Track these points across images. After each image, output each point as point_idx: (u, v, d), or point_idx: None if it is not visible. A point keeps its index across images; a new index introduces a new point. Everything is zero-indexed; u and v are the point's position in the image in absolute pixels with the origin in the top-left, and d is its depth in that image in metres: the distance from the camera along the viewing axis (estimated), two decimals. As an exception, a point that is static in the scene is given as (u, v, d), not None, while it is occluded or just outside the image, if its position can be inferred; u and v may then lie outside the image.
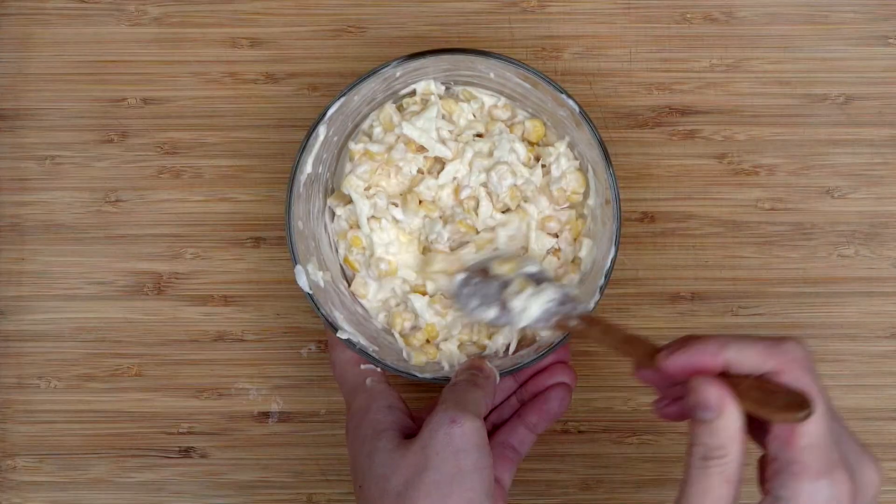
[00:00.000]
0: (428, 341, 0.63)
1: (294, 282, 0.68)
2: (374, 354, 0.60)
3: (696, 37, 0.69)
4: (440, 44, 0.68)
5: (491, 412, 0.62)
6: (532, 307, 0.59)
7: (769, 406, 0.48)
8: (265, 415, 0.69)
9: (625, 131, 0.69)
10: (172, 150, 0.69)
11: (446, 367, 0.62)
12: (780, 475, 0.49)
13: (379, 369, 0.60)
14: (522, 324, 0.59)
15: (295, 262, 0.60)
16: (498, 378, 0.60)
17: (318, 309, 0.59)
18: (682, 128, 0.69)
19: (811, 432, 0.48)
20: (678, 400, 0.54)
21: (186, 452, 0.69)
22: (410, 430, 0.57)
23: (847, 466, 0.49)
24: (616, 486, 0.69)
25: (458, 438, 0.54)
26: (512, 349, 0.63)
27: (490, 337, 0.63)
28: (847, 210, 0.69)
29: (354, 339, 0.60)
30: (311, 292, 0.60)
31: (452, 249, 0.63)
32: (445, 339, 0.63)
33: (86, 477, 0.69)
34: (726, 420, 0.48)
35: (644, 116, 0.69)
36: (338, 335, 0.60)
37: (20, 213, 0.69)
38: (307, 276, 0.60)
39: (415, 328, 0.63)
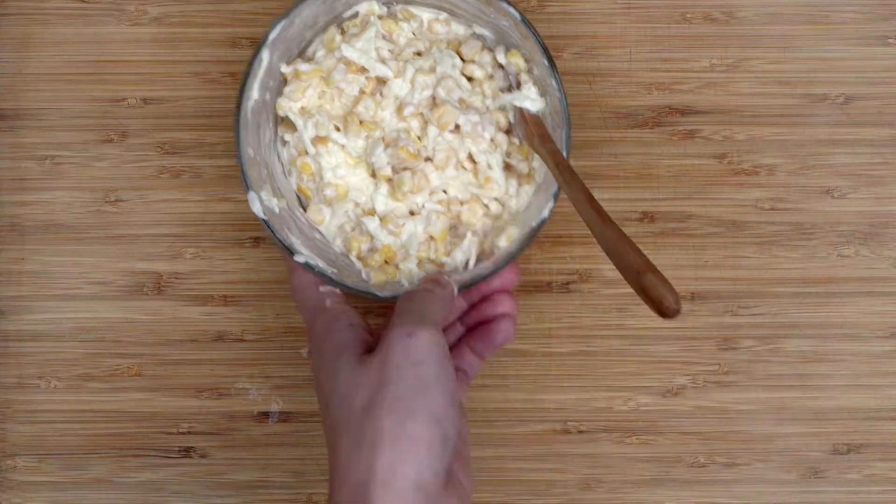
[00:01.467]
0: (386, 262, 0.63)
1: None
2: (332, 276, 0.60)
3: (696, 37, 0.69)
4: (440, 44, 0.68)
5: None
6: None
7: (652, 302, 0.53)
8: (265, 415, 0.69)
9: (625, 131, 0.69)
10: (172, 150, 0.69)
11: (406, 284, 0.62)
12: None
13: (339, 291, 0.60)
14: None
15: (247, 188, 0.60)
16: (456, 291, 0.59)
17: (274, 234, 0.59)
18: (682, 128, 0.69)
19: None
20: None
21: (186, 452, 0.69)
22: (372, 347, 0.56)
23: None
24: (616, 486, 0.69)
25: (416, 350, 0.53)
26: (472, 263, 0.63)
27: (448, 253, 0.63)
28: (847, 210, 0.69)
29: (312, 262, 0.60)
30: (265, 218, 0.60)
31: (396, 172, 0.63)
32: (404, 259, 0.63)
33: (86, 477, 0.69)
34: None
35: (644, 116, 0.69)
36: (295, 258, 0.59)
37: (20, 213, 0.69)
38: (261, 203, 0.60)
39: (372, 250, 0.63)
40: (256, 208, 0.60)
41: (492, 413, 0.69)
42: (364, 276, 0.62)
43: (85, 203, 0.69)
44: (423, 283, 0.60)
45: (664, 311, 0.51)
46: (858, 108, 0.69)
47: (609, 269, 0.68)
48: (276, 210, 0.61)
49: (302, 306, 0.60)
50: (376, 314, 0.67)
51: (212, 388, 0.68)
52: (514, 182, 0.63)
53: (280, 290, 0.69)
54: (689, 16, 0.69)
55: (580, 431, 0.69)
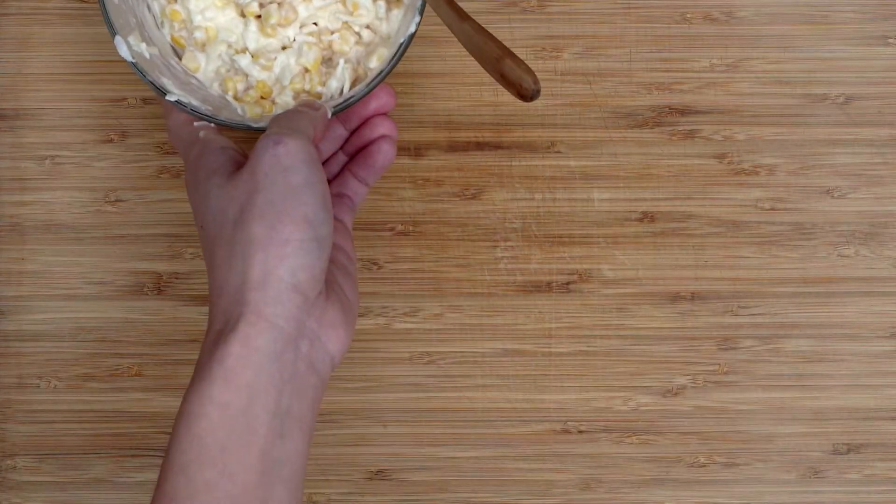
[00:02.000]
0: (262, 97, 0.63)
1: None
2: (207, 112, 0.60)
3: (696, 37, 0.69)
4: (439, 44, 0.68)
5: (323, 164, 0.62)
6: None
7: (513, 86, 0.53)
8: (265, 415, 0.69)
9: (625, 131, 0.69)
10: (172, 149, 0.69)
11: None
12: None
13: (212, 126, 0.60)
14: None
15: (113, 33, 0.60)
16: (329, 113, 0.59)
17: (144, 76, 0.59)
18: (682, 128, 0.69)
19: None
20: None
21: (186, 452, 0.69)
22: (243, 165, 0.56)
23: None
24: (616, 486, 0.69)
25: (284, 157, 0.53)
26: (346, 90, 0.63)
27: (323, 83, 0.63)
28: (847, 210, 0.69)
29: (185, 100, 0.60)
30: (133, 60, 0.60)
31: (263, 7, 0.63)
32: (279, 94, 0.63)
33: (86, 477, 0.69)
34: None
35: (644, 116, 0.69)
36: (167, 98, 0.59)
37: (20, 213, 0.69)
38: (129, 47, 0.60)
39: (249, 88, 0.64)
40: (124, 52, 0.60)
41: (492, 413, 0.69)
42: (240, 111, 0.63)
43: (85, 203, 0.69)
44: (296, 106, 0.60)
45: (524, 93, 0.52)
46: (858, 108, 0.69)
47: (609, 269, 0.68)
48: (147, 56, 0.61)
49: (178, 144, 0.60)
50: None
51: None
52: (382, 6, 0.64)
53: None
54: (688, 16, 0.69)
55: (580, 431, 0.69)
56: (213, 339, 0.52)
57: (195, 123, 0.59)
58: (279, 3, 0.63)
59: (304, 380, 0.52)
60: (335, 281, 0.55)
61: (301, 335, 0.52)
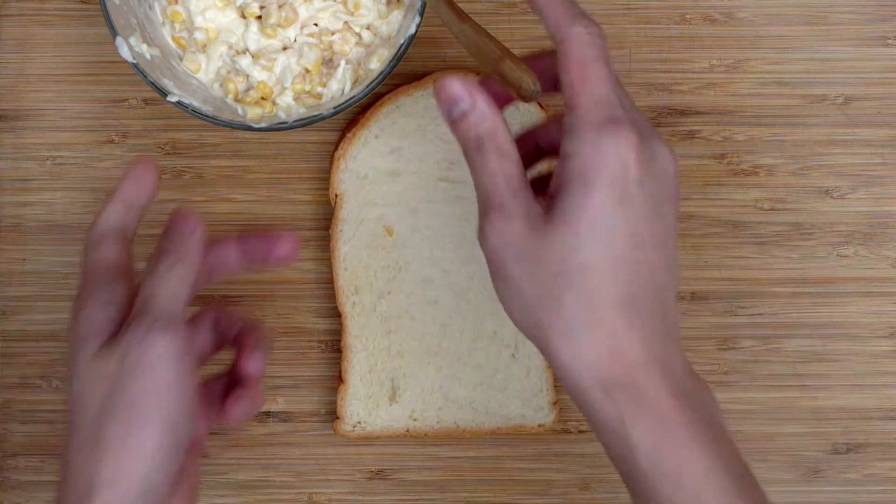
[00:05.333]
0: (263, 98, 0.64)
1: (296, 281, 0.69)
2: (208, 113, 0.60)
3: (695, 37, 0.69)
4: (439, 44, 0.68)
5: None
6: None
7: (513, 87, 0.51)
8: (265, 415, 0.69)
9: (624, 132, 0.69)
10: (173, 150, 0.69)
11: (283, 115, 0.62)
12: (567, 134, 0.50)
13: (125, 263, 0.56)
14: None
15: (114, 34, 0.60)
16: (200, 233, 0.55)
17: (145, 76, 0.59)
18: (682, 128, 0.69)
19: (591, 91, 0.50)
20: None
21: (187, 452, 0.69)
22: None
23: (637, 130, 0.50)
24: (616, 486, 0.69)
25: (151, 353, 0.51)
26: (347, 90, 0.63)
27: (324, 84, 0.63)
28: (846, 210, 0.69)
29: (186, 101, 0.60)
30: (134, 61, 0.60)
31: (262, 7, 0.63)
32: (280, 94, 0.63)
33: (87, 476, 0.69)
34: (482, 105, 0.50)
35: (644, 117, 0.69)
36: (168, 99, 0.59)
37: (22, 214, 0.69)
38: (130, 48, 0.60)
39: (249, 89, 0.64)
40: (125, 52, 0.60)
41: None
42: (240, 112, 0.63)
43: (86, 203, 0.69)
44: (168, 232, 0.56)
45: (523, 94, 0.51)
46: (857, 109, 0.69)
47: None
48: (148, 56, 0.62)
49: (82, 262, 0.56)
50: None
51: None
52: (383, 7, 0.64)
53: (280, 291, 0.69)
54: (688, 17, 0.69)
55: (580, 431, 0.69)
56: None
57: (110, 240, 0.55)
58: (280, 4, 0.63)
59: None
60: (185, 468, 0.54)
61: None
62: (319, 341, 0.69)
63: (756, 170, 0.69)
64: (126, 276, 0.55)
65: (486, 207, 0.50)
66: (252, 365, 0.58)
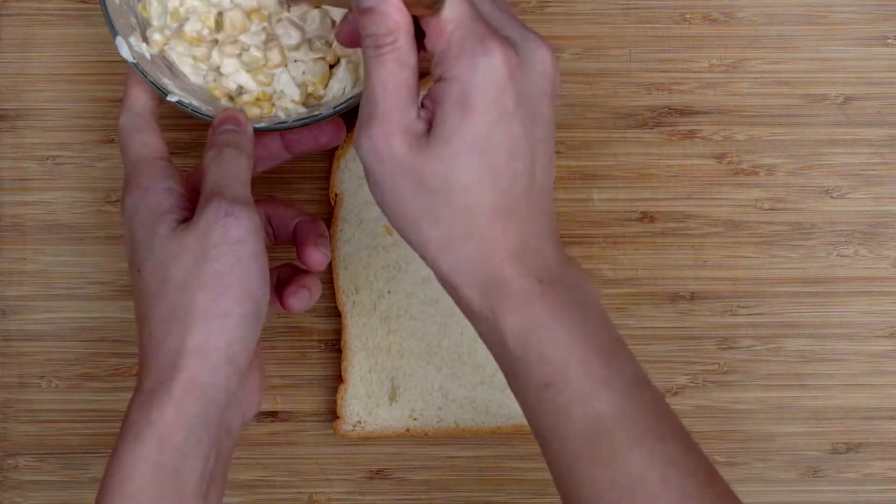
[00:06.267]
0: (260, 99, 0.63)
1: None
2: (208, 113, 0.60)
3: (695, 37, 0.69)
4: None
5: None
6: None
7: (415, 5, 0.50)
8: (265, 414, 0.69)
9: (624, 131, 0.69)
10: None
11: (282, 115, 0.63)
12: (439, 65, 0.51)
13: (161, 144, 0.59)
14: None
15: (114, 33, 0.60)
16: (251, 129, 0.59)
17: (145, 76, 0.59)
18: (682, 128, 0.69)
19: (452, 17, 0.50)
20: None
21: (187, 452, 0.69)
22: (188, 216, 0.56)
23: (506, 41, 0.50)
24: (616, 485, 0.69)
25: (233, 229, 0.53)
26: (348, 91, 0.63)
27: (325, 85, 0.63)
28: (846, 210, 0.69)
29: (186, 101, 0.60)
30: (134, 61, 0.60)
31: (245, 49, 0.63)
32: (279, 98, 0.63)
33: (87, 476, 0.69)
34: (389, 5, 0.50)
35: (644, 117, 0.69)
36: (168, 98, 0.60)
37: (21, 213, 0.69)
38: (130, 48, 0.60)
39: (244, 93, 0.64)
40: (125, 52, 0.60)
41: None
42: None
43: (86, 203, 0.69)
44: (223, 122, 0.58)
45: (433, 7, 0.50)
46: (857, 109, 0.69)
47: (609, 269, 0.68)
48: (148, 56, 0.62)
49: (125, 150, 0.59)
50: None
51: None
52: None
53: (280, 290, 0.69)
54: (688, 16, 0.69)
55: (580, 431, 0.69)
56: (146, 398, 0.53)
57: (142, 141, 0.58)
58: (266, 50, 0.62)
59: (223, 444, 0.54)
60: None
61: (228, 405, 0.53)
62: (319, 341, 0.69)
63: (756, 170, 0.69)
64: (171, 164, 0.58)
65: (368, 114, 0.51)
66: (316, 255, 0.60)
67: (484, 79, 0.50)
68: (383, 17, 0.50)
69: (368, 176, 0.52)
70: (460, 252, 0.51)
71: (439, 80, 0.51)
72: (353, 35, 0.56)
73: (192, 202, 0.56)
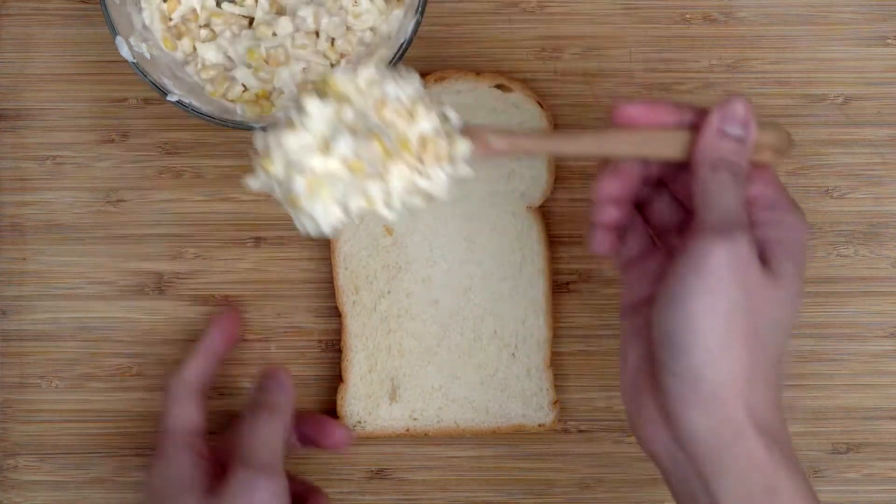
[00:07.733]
0: (259, 97, 0.64)
1: (296, 281, 0.69)
2: (208, 112, 0.60)
3: (695, 37, 0.69)
4: (439, 44, 0.68)
5: None
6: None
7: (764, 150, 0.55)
8: (265, 414, 0.69)
9: (624, 131, 0.69)
10: (173, 149, 0.69)
11: (282, 116, 0.63)
12: (764, 210, 0.55)
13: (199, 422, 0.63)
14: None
15: (114, 33, 0.60)
16: (291, 392, 0.63)
17: (145, 76, 0.60)
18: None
19: (715, 203, 0.53)
20: (612, 230, 0.57)
21: (187, 452, 0.69)
22: (214, 482, 0.59)
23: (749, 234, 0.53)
24: (616, 486, 0.69)
25: (258, 498, 0.57)
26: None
27: None
28: (846, 210, 0.69)
29: (186, 101, 0.60)
30: (134, 61, 0.60)
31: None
32: (279, 97, 0.64)
33: (87, 476, 0.69)
34: (752, 138, 0.54)
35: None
36: (168, 98, 0.60)
37: (21, 213, 0.69)
38: (130, 48, 0.61)
39: (245, 91, 0.64)
40: (125, 52, 0.60)
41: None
42: (239, 111, 0.63)
43: (86, 203, 0.69)
44: (263, 381, 0.63)
45: (784, 152, 0.55)
46: (857, 109, 0.69)
47: (609, 269, 0.68)
48: (148, 56, 0.62)
49: (164, 413, 0.63)
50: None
51: (213, 388, 0.68)
52: (381, 2, 0.64)
53: (280, 291, 0.69)
54: (688, 16, 0.69)
55: (580, 431, 0.69)
56: None
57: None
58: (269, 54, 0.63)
59: None
60: None
61: None
62: (319, 341, 0.69)
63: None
64: (203, 440, 0.62)
65: (729, 226, 0.51)
66: (340, 433, 0.65)
67: (802, 236, 0.54)
68: (745, 147, 0.54)
69: (703, 282, 0.51)
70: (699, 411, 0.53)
71: (766, 224, 0.54)
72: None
73: (220, 467, 0.60)
